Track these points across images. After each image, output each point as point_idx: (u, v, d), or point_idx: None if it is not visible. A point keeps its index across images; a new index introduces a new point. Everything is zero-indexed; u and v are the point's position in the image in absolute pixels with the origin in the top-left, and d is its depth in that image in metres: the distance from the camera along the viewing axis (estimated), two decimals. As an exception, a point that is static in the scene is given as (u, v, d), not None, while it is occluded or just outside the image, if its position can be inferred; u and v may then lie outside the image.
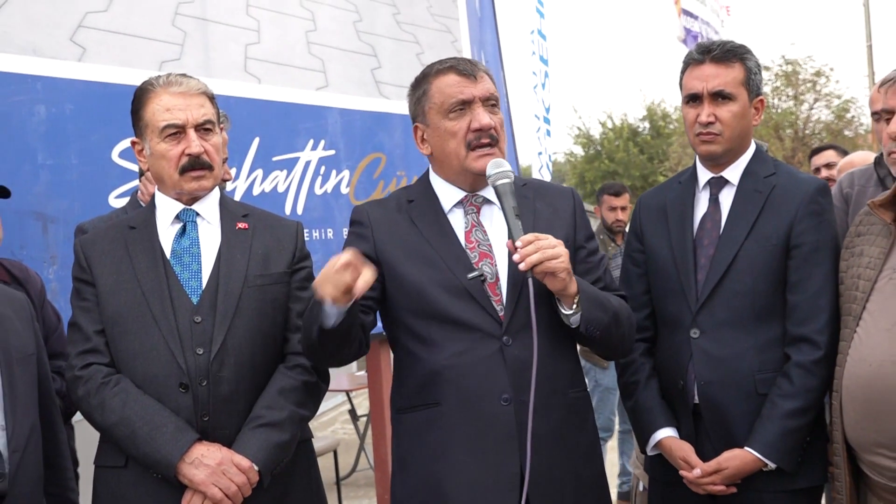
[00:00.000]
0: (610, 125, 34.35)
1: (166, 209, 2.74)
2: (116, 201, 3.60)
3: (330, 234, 4.62)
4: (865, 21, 29.93)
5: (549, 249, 2.35)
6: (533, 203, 2.66)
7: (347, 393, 8.22)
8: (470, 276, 2.47)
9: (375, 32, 5.01)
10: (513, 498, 2.41)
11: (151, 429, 2.51)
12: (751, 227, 2.79)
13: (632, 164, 32.33)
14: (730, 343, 2.75)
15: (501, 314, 2.51)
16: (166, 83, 2.69)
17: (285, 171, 4.40)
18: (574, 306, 2.45)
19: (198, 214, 2.75)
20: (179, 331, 2.61)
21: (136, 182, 3.56)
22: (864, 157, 4.93)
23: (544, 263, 2.34)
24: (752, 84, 2.86)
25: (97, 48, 3.63)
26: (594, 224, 7.68)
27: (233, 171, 3.87)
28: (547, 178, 8.11)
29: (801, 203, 2.78)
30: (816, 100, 27.89)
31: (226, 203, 2.81)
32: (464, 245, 2.58)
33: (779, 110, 27.04)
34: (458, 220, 2.63)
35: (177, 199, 2.73)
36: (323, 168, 4.59)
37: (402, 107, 5.00)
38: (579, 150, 35.26)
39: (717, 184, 2.89)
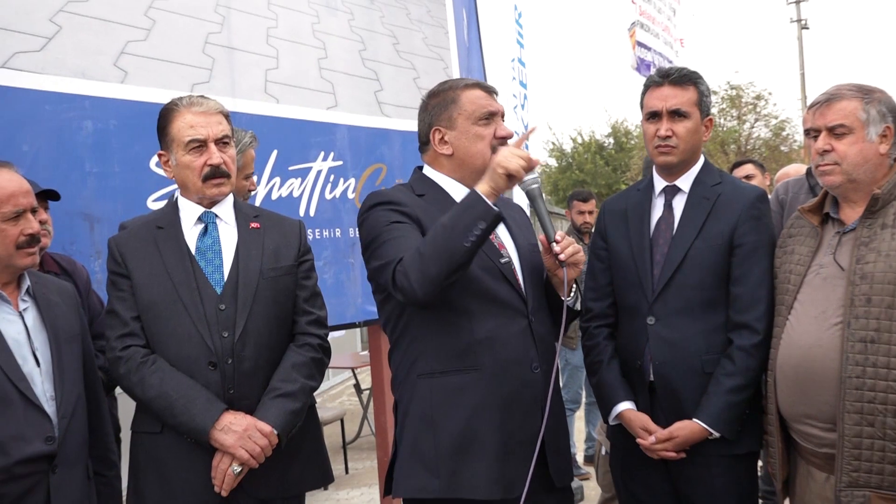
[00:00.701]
0: (580, 140, 34.29)
1: (189, 211, 2.75)
2: (153, 204, 3.58)
3: (338, 233, 4.60)
4: (799, 52, 30.08)
5: (575, 245, 2.46)
6: (509, 212, 2.71)
7: (353, 370, 8.22)
8: (502, 260, 2.54)
9: (378, 60, 5.00)
10: (532, 450, 2.40)
11: (186, 401, 2.54)
12: (699, 228, 2.78)
13: (598, 174, 32.31)
14: (681, 329, 2.75)
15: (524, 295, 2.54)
16: (189, 103, 2.71)
17: (299, 179, 4.39)
18: (573, 293, 2.54)
19: (217, 216, 2.76)
20: (207, 317, 2.62)
21: (171, 188, 3.56)
22: (797, 169, 4.94)
23: (575, 256, 2.44)
24: (703, 105, 2.86)
25: (137, 72, 3.62)
26: (565, 226, 7.69)
27: (254, 179, 3.85)
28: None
29: (743, 208, 2.78)
30: (757, 120, 27.91)
31: (239, 206, 2.83)
32: None
33: (724, 128, 27.05)
34: None
35: (198, 203, 2.75)
36: (332, 176, 4.58)
37: (401, 124, 5.05)
38: (553, 162, 35.18)
39: (671, 191, 2.89)
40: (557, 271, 2.52)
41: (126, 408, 3.09)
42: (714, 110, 2.97)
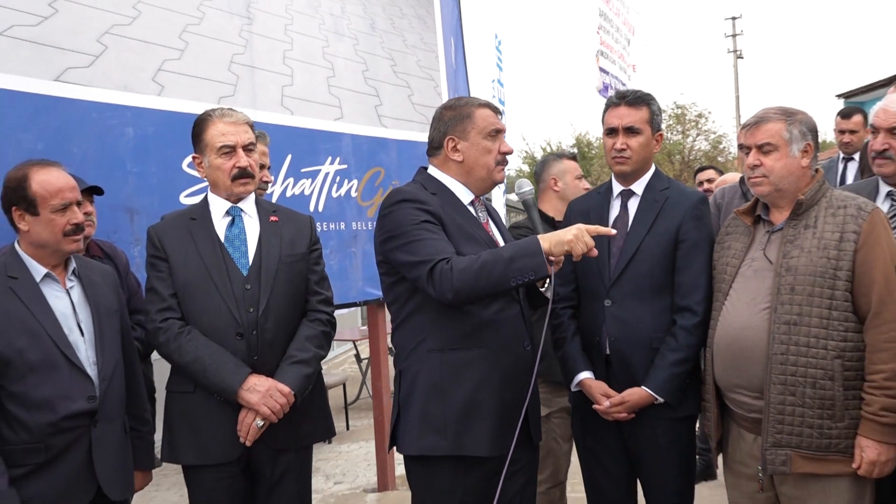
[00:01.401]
0: (548, 149, 34.27)
1: (218, 206, 2.76)
2: (185, 199, 3.57)
3: (342, 227, 4.60)
4: (734, 78, 30.20)
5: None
6: (494, 214, 2.71)
7: (354, 342, 8.23)
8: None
9: (378, 79, 4.99)
10: (518, 414, 2.41)
11: (218, 365, 2.56)
12: (650, 226, 2.78)
13: (564, 178, 32.32)
14: (633, 310, 2.75)
15: None
16: (221, 115, 2.73)
17: (310, 180, 4.38)
18: (548, 284, 2.46)
19: (242, 210, 2.78)
20: (235, 295, 2.64)
21: (200, 185, 3.54)
22: (733, 177, 4.96)
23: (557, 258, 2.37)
24: (654, 122, 2.85)
25: (172, 86, 3.60)
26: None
27: (272, 177, 3.84)
28: (502, 189, 8.07)
29: (687, 210, 2.78)
30: (698, 134, 28.09)
31: (260, 202, 2.85)
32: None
33: (671, 142, 27.19)
34: (477, 214, 2.61)
35: (226, 199, 2.76)
36: (338, 178, 4.57)
37: (397, 134, 5.04)
38: (526, 168, 35.25)
39: (627, 195, 2.89)
40: None
41: (160, 373, 3.08)
42: (662, 126, 2.98)
